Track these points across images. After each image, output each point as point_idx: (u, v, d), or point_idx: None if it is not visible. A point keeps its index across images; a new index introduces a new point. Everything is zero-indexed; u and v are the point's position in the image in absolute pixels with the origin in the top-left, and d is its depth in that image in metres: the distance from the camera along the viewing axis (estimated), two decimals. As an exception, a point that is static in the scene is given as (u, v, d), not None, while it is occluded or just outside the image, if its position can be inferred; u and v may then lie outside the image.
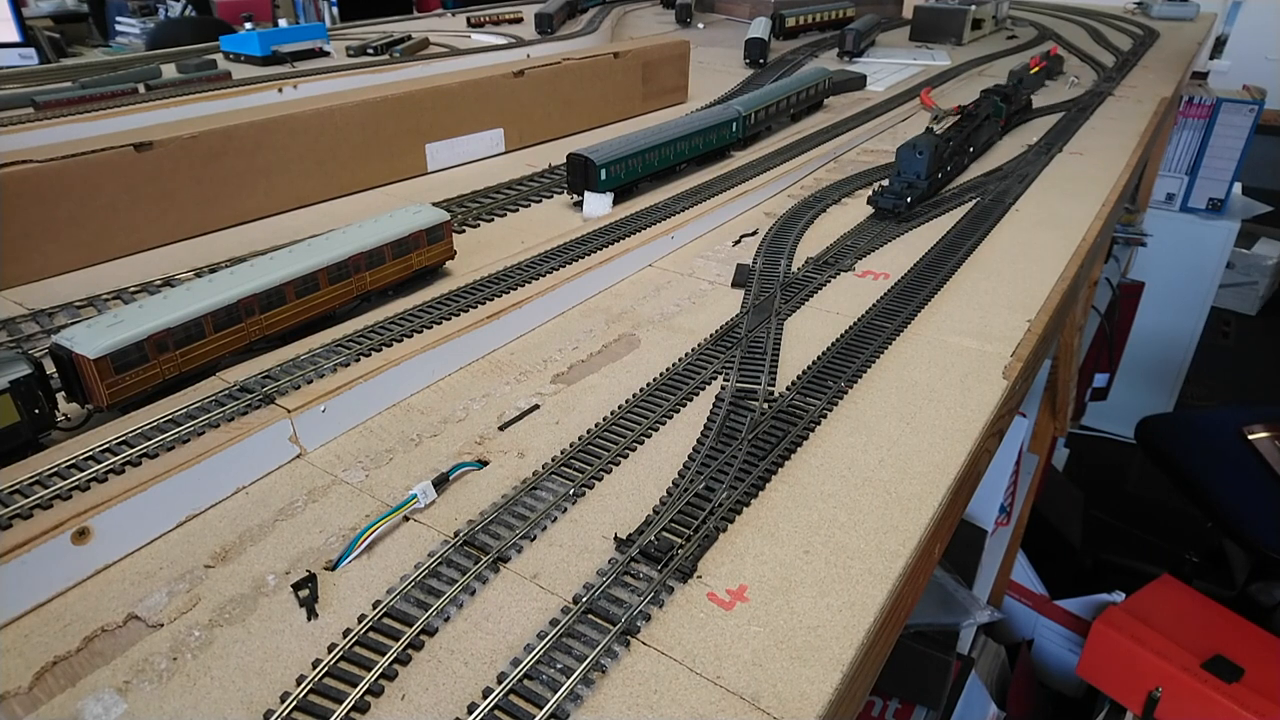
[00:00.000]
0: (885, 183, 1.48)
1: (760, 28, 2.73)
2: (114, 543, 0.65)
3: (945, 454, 0.80)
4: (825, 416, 0.85)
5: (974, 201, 1.47)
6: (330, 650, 0.57)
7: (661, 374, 0.92)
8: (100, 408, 0.78)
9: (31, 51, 3.23)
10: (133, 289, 1.09)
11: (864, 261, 1.23)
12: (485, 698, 0.54)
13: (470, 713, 0.53)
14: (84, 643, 0.58)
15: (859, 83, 2.39)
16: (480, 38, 2.96)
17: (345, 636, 0.58)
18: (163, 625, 0.60)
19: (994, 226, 1.36)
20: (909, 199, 1.35)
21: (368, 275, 1.01)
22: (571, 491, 0.73)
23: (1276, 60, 5.31)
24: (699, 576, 0.64)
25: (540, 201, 1.47)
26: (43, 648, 0.58)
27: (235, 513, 0.71)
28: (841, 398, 0.88)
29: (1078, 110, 2.15)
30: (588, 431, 0.82)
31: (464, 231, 1.33)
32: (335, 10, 5.08)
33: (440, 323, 0.94)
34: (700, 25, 3.48)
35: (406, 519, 0.70)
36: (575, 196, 1.43)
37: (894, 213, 1.35)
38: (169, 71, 2.19)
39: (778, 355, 0.96)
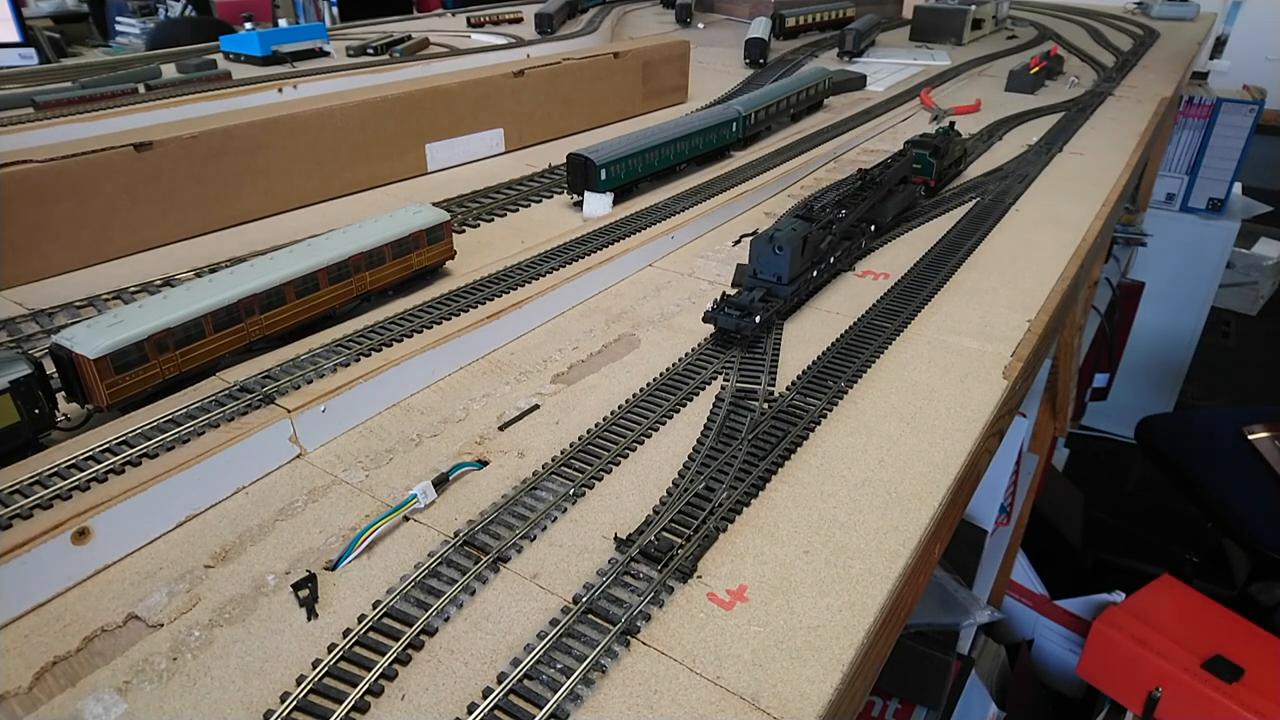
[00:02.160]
0: (732, 290, 1.09)
1: (760, 28, 2.73)
2: (114, 543, 0.65)
3: (945, 454, 0.80)
4: (825, 416, 0.85)
5: (974, 201, 1.47)
6: (330, 650, 0.57)
7: (661, 374, 0.92)
8: (100, 408, 0.78)
9: (31, 51, 3.23)
10: (133, 289, 1.09)
11: (864, 261, 1.23)
12: (485, 698, 0.54)
13: (470, 713, 0.53)
14: (84, 643, 0.58)
15: (859, 83, 2.39)
16: (480, 38, 2.96)
17: (345, 636, 0.58)
18: (163, 625, 0.60)
19: (994, 226, 1.36)
20: (757, 317, 0.95)
21: (368, 275, 1.01)
22: (571, 491, 0.73)
23: (1276, 60, 5.31)
24: (699, 576, 0.64)
25: (540, 201, 1.47)
26: (43, 648, 0.58)
27: (235, 513, 0.71)
28: (841, 398, 0.88)
29: (1078, 110, 2.15)
30: (588, 431, 0.81)
31: (464, 231, 1.33)
32: (335, 10, 5.07)
33: (440, 323, 0.94)
34: (700, 25, 3.48)
35: (406, 519, 0.70)
36: (575, 196, 1.43)
37: (738, 335, 0.96)
38: (169, 71, 2.19)
39: (778, 355, 0.96)
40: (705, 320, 0.97)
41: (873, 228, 1.26)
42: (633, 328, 1.03)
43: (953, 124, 1.60)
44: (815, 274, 1.08)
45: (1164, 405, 3.92)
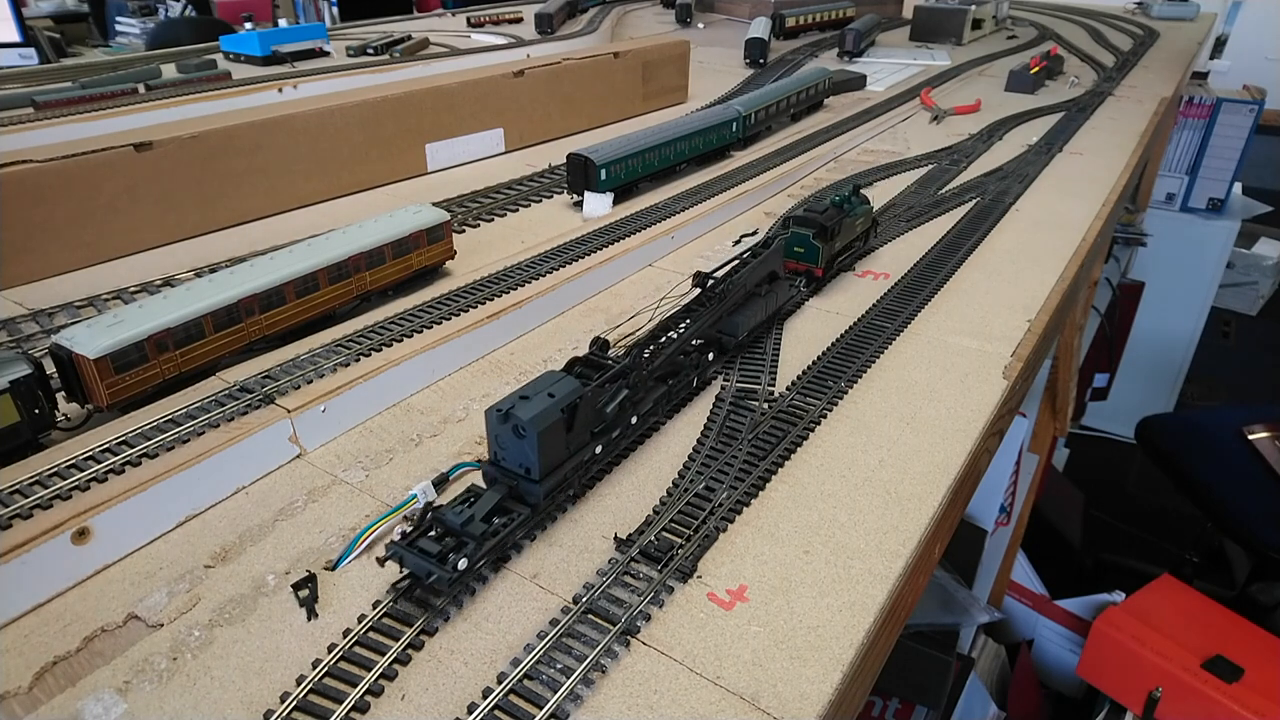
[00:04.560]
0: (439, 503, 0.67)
1: (760, 28, 2.73)
2: (114, 543, 0.65)
3: (945, 454, 0.80)
4: (825, 417, 0.85)
5: (974, 201, 1.47)
6: (330, 650, 0.57)
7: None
8: (100, 408, 0.78)
9: (31, 51, 3.22)
10: (133, 289, 1.09)
11: (864, 261, 1.23)
12: (485, 698, 0.54)
13: (470, 713, 0.53)
14: (84, 643, 0.58)
15: (859, 83, 2.39)
16: (480, 38, 2.96)
17: (345, 636, 0.58)
18: (163, 625, 0.60)
19: (994, 226, 1.36)
20: (461, 561, 0.59)
21: (368, 275, 1.01)
22: (572, 491, 0.73)
23: (1276, 60, 5.31)
24: (699, 576, 0.64)
25: (540, 201, 1.47)
26: (43, 648, 0.58)
27: (235, 513, 0.71)
28: (841, 398, 0.88)
29: (1078, 110, 2.15)
30: (588, 431, 0.81)
31: (464, 231, 1.33)
32: (335, 10, 5.07)
33: (440, 323, 0.94)
34: (700, 25, 3.47)
35: (406, 519, 0.70)
36: (575, 196, 1.43)
37: (430, 587, 0.59)
38: (169, 71, 2.19)
39: (778, 355, 0.96)
40: (381, 560, 0.61)
41: (710, 355, 0.89)
42: (633, 328, 1.03)
43: (857, 188, 1.17)
44: (600, 449, 0.71)
45: (1164, 405, 3.91)
